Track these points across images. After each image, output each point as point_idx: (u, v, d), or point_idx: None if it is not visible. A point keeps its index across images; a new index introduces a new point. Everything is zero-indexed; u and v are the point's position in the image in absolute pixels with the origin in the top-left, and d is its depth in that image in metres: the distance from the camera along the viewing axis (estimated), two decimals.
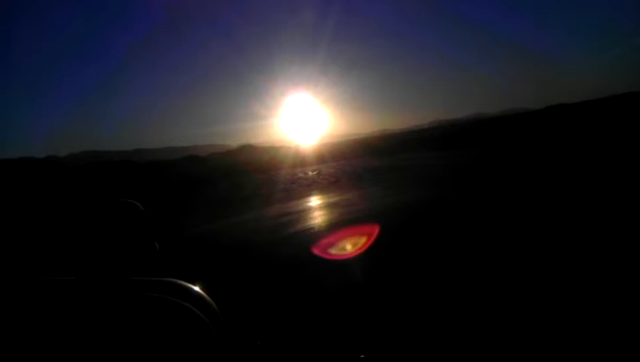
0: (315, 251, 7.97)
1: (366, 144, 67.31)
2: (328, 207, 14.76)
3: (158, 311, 0.94)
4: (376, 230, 8.52)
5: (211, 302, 1.08)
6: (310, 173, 34.87)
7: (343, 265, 6.98)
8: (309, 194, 19.05)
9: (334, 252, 8.00)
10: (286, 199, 18.10)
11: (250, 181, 32.51)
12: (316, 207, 15.01)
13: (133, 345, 0.90)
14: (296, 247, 8.82)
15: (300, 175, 34.37)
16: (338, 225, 10.70)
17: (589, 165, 15.29)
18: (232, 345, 1.03)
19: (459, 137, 50.01)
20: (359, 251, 7.55)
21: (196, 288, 1.09)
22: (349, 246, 8.31)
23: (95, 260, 0.95)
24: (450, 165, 24.25)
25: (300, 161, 48.55)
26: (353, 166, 35.71)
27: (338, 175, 28.97)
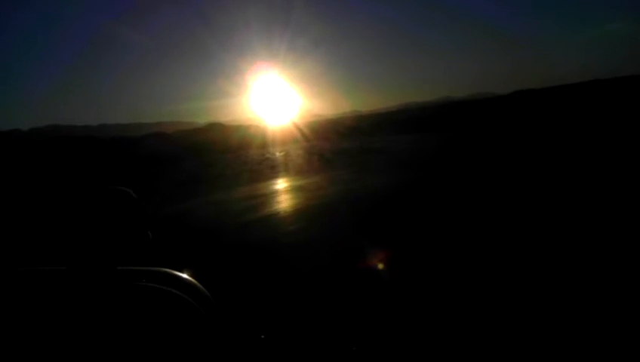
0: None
1: (337, 125, 66.92)
2: (294, 190, 14.41)
3: (152, 301, 0.93)
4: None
5: (205, 291, 1.07)
6: (278, 153, 34.37)
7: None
8: (276, 176, 18.67)
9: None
10: (253, 181, 17.68)
11: (217, 161, 31.81)
12: (282, 191, 14.65)
13: (127, 335, 0.89)
14: (261, 232, 8.57)
15: (268, 155, 33.82)
16: (304, 210, 10.39)
17: (552, 150, 15.46)
18: (226, 334, 1.02)
19: (429, 120, 50.30)
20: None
21: (189, 278, 1.09)
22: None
23: (87, 249, 0.93)
24: (421, 149, 24.28)
25: (270, 141, 47.88)
26: (323, 148, 35.37)
27: (306, 157, 28.61)
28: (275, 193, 14.14)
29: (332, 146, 35.32)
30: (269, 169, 22.64)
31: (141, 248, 0.98)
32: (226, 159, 33.51)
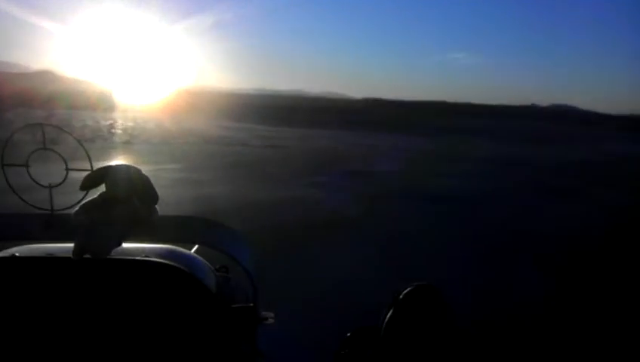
0: None
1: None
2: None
3: (159, 277, 0.92)
4: None
5: (210, 266, 1.06)
6: (103, 121, 27.58)
7: None
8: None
9: None
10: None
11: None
12: None
13: (130, 310, 0.91)
14: None
15: (89, 122, 26.90)
16: None
17: None
18: (232, 310, 0.99)
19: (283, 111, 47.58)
20: None
21: (195, 254, 1.07)
22: None
23: (99, 226, 0.90)
24: (276, 145, 20.31)
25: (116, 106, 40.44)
26: (179, 125, 29.46)
27: (136, 133, 22.74)
28: None
29: (193, 125, 29.57)
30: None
31: (149, 224, 0.93)
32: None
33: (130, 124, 27.61)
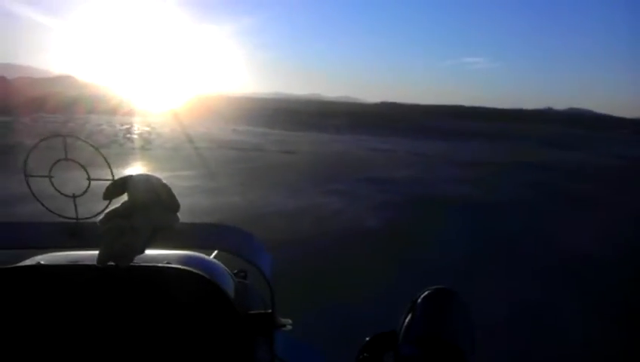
0: None
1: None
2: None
3: (181, 283, 0.94)
4: None
5: (229, 271, 1.10)
6: (120, 126, 27.57)
7: None
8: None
9: None
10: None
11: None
12: None
13: (156, 318, 0.93)
14: None
15: (105, 126, 26.90)
16: None
17: None
18: (249, 316, 1.01)
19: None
20: None
21: (216, 260, 1.11)
22: None
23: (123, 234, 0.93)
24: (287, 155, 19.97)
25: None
26: (201, 131, 29.38)
27: (152, 138, 22.61)
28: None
29: (218, 131, 29.48)
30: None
31: (171, 231, 0.96)
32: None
33: (146, 128, 27.57)
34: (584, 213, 10.42)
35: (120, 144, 19.30)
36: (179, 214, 0.98)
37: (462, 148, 26.17)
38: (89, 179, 0.92)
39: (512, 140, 35.29)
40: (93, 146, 0.97)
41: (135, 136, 22.79)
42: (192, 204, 8.79)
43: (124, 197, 0.93)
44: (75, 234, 0.94)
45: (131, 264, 0.88)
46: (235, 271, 1.17)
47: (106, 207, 0.92)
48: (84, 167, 0.92)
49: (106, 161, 0.91)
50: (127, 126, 28.27)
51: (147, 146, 19.15)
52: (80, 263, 0.93)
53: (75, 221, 0.94)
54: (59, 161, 0.91)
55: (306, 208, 9.30)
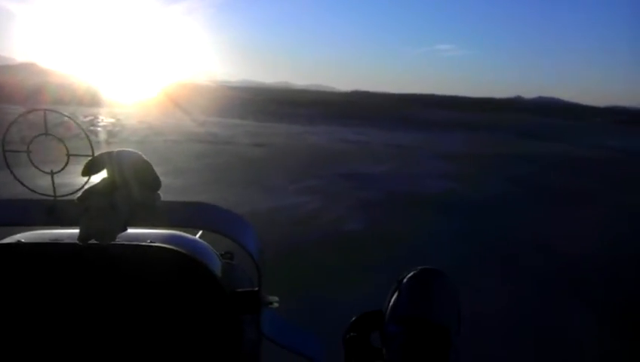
0: None
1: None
2: None
3: (164, 261, 0.91)
4: None
5: (214, 251, 1.09)
6: (83, 118, 26.21)
7: None
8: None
9: None
10: None
11: None
12: None
13: (139, 296, 0.91)
14: None
15: (66, 119, 25.47)
16: None
17: None
18: (236, 294, 0.98)
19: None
20: None
21: (201, 239, 1.09)
22: None
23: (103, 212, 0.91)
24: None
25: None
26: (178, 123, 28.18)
27: (116, 130, 21.55)
28: None
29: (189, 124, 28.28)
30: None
31: (153, 209, 0.92)
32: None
33: (111, 120, 26.34)
34: (583, 212, 10.05)
35: (81, 138, 18.17)
36: (160, 193, 0.92)
37: (438, 139, 25.99)
38: (68, 154, 0.88)
39: (489, 131, 35.46)
40: (74, 121, 0.95)
41: (99, 129, 21.68)
42: None
43: (104, 174, 0.88)
44: (53, 211, 0.89)
45: (114, 242, 0.86)
46: (222, 253, 1.14)
47: (85, 183, 0.87)
48: (63, 142, 0.88)
49: (87, 136, 0.87)
50: (91, 117, 26.93)
51: (111, 140, 18.15)
52: (60, 241, 0.91)
53: (52, 198, 0.89)
54: (38, 135, 0.88)
55: (280, 209, 8.72)
